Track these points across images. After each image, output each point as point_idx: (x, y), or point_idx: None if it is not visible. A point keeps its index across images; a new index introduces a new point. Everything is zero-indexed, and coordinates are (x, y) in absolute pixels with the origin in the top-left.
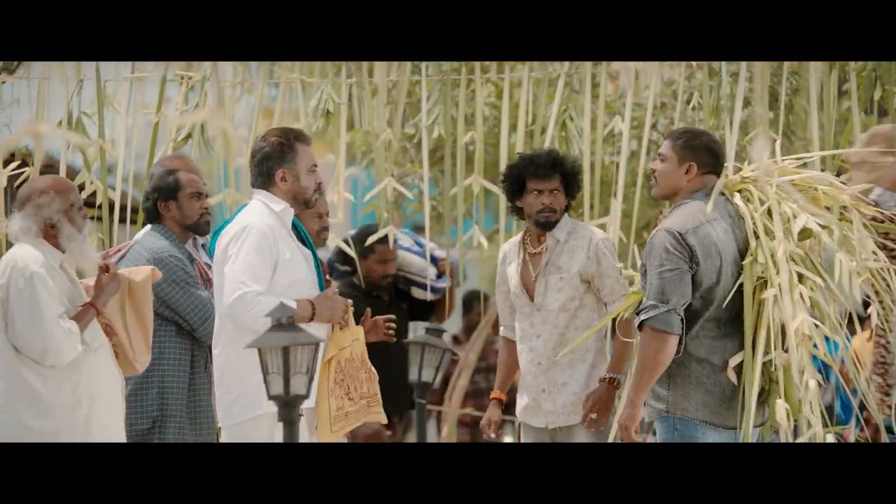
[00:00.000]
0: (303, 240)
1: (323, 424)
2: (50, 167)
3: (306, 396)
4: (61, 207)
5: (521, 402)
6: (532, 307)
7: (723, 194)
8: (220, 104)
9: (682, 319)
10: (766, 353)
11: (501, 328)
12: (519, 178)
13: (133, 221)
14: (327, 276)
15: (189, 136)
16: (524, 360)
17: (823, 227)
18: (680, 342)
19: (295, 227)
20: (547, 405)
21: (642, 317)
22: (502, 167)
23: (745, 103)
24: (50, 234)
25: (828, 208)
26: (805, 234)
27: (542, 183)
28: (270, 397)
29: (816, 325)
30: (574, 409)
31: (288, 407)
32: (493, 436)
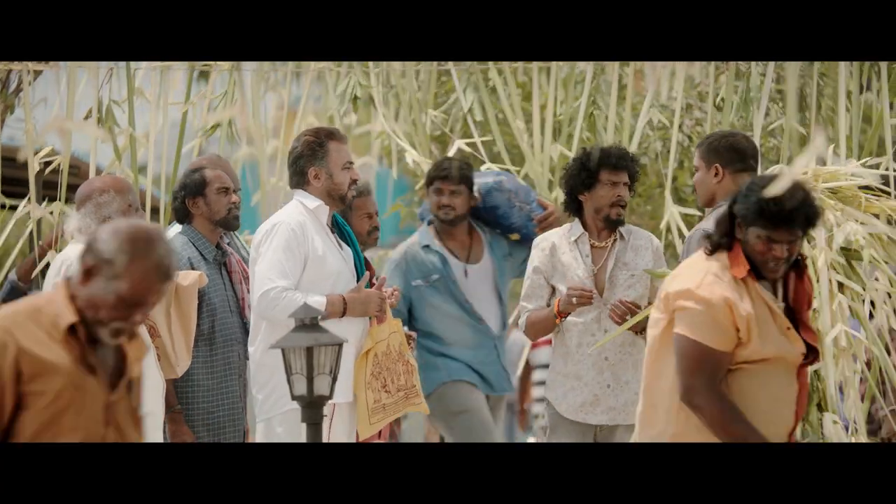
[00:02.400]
0: (345, 238)
1: (362, 417)
2: (76, 168)
3: (329, 397)
4: (120, 207)
5: (574, 399)
6: (598, 301)
7: None
8: (244, 99)
9: None
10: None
11: (530, 306)
12: (595, 169)
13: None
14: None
15: (217, 125)
16: (583, 353)
17: (872, 235)
18: None
19: (339, 226)
20: (611, 401)
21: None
22: (528, 166)
23: (774, 106)
24: None
25: (876, 216)
26: (849, 246)
27: (617, 175)
28: (294, 398)
29: (856, 337)
30: (634, 408)
31: (311, 408)
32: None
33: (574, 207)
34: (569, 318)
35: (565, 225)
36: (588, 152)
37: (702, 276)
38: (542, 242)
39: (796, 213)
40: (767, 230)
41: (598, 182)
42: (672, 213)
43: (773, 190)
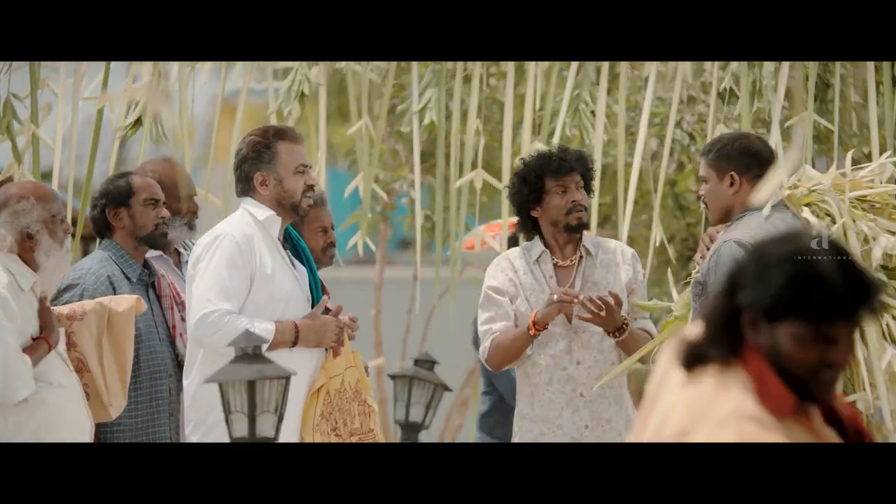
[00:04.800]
0: (299, 255)
1: None
2: None
3: (274, 439)
4: (41, 216)
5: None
6: (568, 329)
7: (787, 208)
8: (161, 84)
9: None
10: (846, 393)
11: (497, 327)
12: (537, 180)
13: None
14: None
15: (139, 121)
16: (554, 391)
17: None
18: None
19: (292, 240)
20: None
21: None
22: (506, 165)
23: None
24: (26, 246)
25: None
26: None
27: (565, 179)
28: (233, 440)
29: None
30: None
31: None
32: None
33: (529, 226)
34: (533, 353)
35: (523, 244)
36: (526, 162)
37: (735, 425)
38: (501, 261)
39: (865, 288)
40: (816, 324)
41: (546, 192)
42: None
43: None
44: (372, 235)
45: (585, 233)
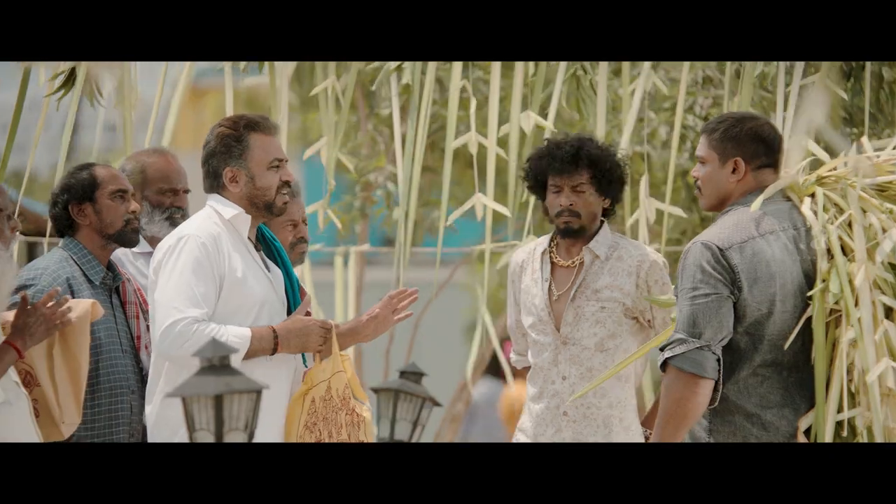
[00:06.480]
0: (273, 256)
1: None
2: None
3: None
4: None
5: None
6: (557, 338)
7: (789, 200)
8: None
9: (718, 360)
10: (843, 409)
11: (515, 356)
12: (541, 173)
13: (24, 233)
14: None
15: (71, 79)
16: (540, 406)
17: None
18: (716, 389)
19: (265, 240)
20: None
21: (667, 354)
22: (491, 154)
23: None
24: None
25: None
26: None
27: (561, 179)
28: None
29: None
30: None
31: None
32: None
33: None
34: (523, 359)
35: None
36: (534, 154)
37: None
38: (512, 262)
39: None
40: None
41: (546, 189)
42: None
43: None
44: (350, 234)
45: (618, 234)
